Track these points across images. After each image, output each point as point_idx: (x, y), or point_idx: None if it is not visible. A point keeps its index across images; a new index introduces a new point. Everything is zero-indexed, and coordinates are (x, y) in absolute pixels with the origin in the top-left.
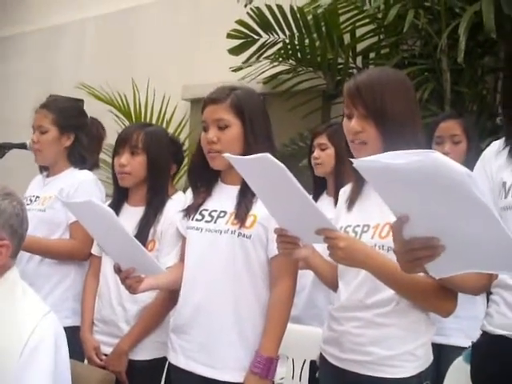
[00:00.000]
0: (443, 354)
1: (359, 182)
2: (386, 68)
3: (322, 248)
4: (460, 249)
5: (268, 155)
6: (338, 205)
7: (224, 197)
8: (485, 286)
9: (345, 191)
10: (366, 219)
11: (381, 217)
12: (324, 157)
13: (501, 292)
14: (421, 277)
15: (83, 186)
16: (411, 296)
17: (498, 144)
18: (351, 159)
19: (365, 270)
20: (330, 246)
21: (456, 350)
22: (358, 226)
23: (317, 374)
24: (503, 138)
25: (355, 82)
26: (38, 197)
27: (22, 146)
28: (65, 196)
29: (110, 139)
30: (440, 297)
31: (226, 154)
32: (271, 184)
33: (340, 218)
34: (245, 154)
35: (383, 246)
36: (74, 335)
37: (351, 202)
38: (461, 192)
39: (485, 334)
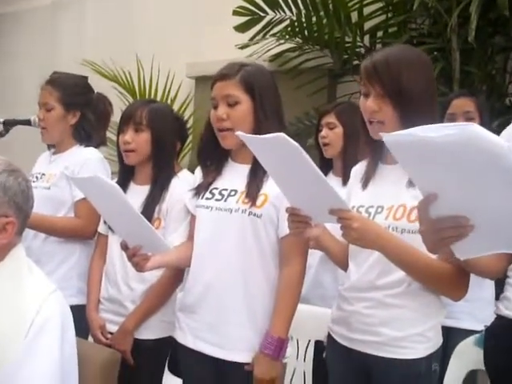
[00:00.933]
0: (450, 337)
1: (374, 162)
2: (404, 46)
3: (332, 228)
4: (489, 228)
5: (283, 135)
6: (350, 184)
7: (235, 175)
8: (504, 269)
9: (356, 170)
10: (380, 200)
11: (395, 198)
12: (332, 136)
13: None
14: (435, 260)
15: (88, 164)
16: (425, 279)
17: None
18: (381, 133)
19: (378, 251)
20: (343, 227)
21: (463, 333)
22: (372, 206)
23: (324, 355)
24: None
25: (372, 61)
26: (43, 174)
27: (27, 123)
28: (70, 173)
29: (114, 116)
30: (453, 281)
31: (239, 133)
32: (285, 163)
33: (352, 198)
34: (255, 130)
35: (397, 228)
36: (78, 314)
37: (365, 182)
38: (499, 165)
39: (500, 318)
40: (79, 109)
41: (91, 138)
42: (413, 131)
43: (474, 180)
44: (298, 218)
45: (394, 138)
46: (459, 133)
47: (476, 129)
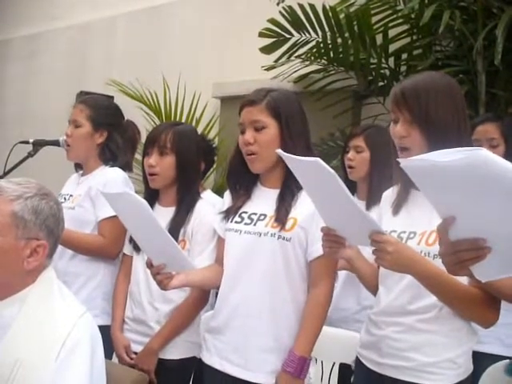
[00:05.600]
0: (477, 362)
1: (406, 187)
2: (434, 73)
3: (365, 251)
4: (508, 250)
5: (319, 160)
6: (380, 209)
7: (264, 200)
8: None
9: (387, 195)
10: (413, 226)
11: (428, 224)
12: (358, 159)
13: None
14: (467, 286)
15: (111, 184)
16: (456, 304)
17: None
18: (398, 159)
19: (411, 275)
20: (377, 250)
21: (491, 358)
22: (404, 232)
23: (352, 379)
24: None
25: (401, 87)
26: (71, 195)
27: (55, 143)
28: (93, 194)
29: (141, 137)
30: (484, 307)
31: (279, 150)
32: (320, 186)
33: (383, 223)
34: None
35: (429, 253)
36: (103, 334)
37: (397, 207)
38: (510, 190)
39: None
40: (107, 129)
41: (116, 158)
42: (428, 156)
43: (488, 203)
44: (332, 238)
45: (409, 163)
46: (471, 156)
47: (487, 153)
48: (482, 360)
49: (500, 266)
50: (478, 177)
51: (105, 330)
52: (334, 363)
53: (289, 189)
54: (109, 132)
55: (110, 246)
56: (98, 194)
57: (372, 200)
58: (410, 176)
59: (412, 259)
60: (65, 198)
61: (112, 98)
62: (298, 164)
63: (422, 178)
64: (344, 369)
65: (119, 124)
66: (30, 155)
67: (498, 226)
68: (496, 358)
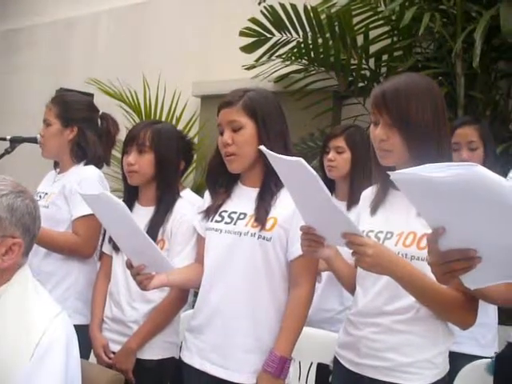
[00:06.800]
0: (454, 362)
1: (384, 187)
2: (414, 75)
3: (343, 251)
4: (496, 260)
5: (301, 160)
6: (359, 208)
7: (244, 199)
8: None
9: (366, 195)
10: (390, 226)
11: (405, 225)
12: (340, 160)
13: None
14: (446, 288)
15: (85, 183)
16: (435, 306)
17: None
18: (389, 172)
19: (391, 277)
20: (356, 253)
21: (467, 358)
22: (381, 232)
23: (329, 379)
24: None
25: (381, 90)
26: (46, 193)
27: (33, 140)
28: (67, 192)
29: (119, 135)
30: (463, 310)
31: (262, 147)
32: (302, 185)
33: (361, 222)
34: (260, 154)
35: (406, 255)
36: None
37: (375, 206)
38: (502, 204)
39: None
40: (77, 125)
41: (86, 154)
42: (419, 170)
43: (478, 215)
44: (311, 237)
45: (400, 176)
46: (464, 173)
47: (480, 170)
48: (458, 360)
49: (489, 275)
50: (471, 191)
51: (77, 330)
52: (312, 363)
53: (268, 188)
54: (79, 128)
55: (85, 245)
56: (72, 192)
57: (353, 201)
58: (400, 187)
59: (391, 261)
60: (40, 196)
61: (92, 95)
62: (281, 162)
63: (411, 190)
64: (322, 369)
65: (91, 119)
66: (7, 152)
67: (488, 236)
68: (472, 358)
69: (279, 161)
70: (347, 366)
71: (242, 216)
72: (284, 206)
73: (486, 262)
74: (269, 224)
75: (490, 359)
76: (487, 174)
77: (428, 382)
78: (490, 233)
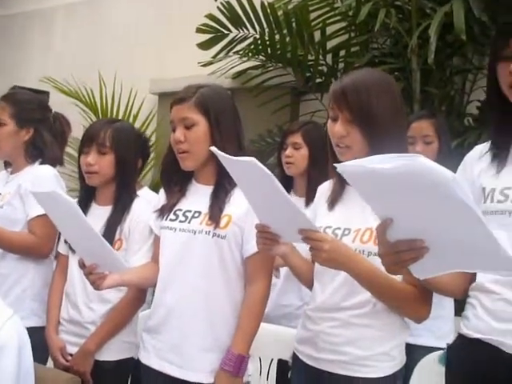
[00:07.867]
0: (411, 354)
1: (341, 183)
2: (371, 70)
3: (300, 247)
4: (444, 249)
5: (254, 160)
6: (315, 204)
7: (198, 197)
8: (466, 288)
9: (323, 190)
10: (347, 222)
11: (362, 221)
12: (297, 156)
13: (478, 295)
14: (401, 283)
15: (40, 182)
16: (390, 301)
17: (480, 149)
18: (335, 164)
19: (347, 272)
20: (313, 248)
21: (421, 350)
22: (339, 228)
23: (289, 374)
24: (485, 143)
25: (341, 85)
26: None
27: None
28: (23, 191)
29: (76, 133)
30: (417, 304)
31: (213, 148)
32: (256, 185)
33: (318, 218)
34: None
35: (363, 251)
36: (32, 336)
37: (332, 202)
38: (446, 195)
39: (461, 337)
40: (33, 125)
41: (43, 155)
42: (365, 161)
43: (425, 206)
44: (266, 235)
45: (346, 168)
46: (409, 164)
47: (424, 161)
48: (415, 352)
49: (436, 265)
50: (415, 182)
51: (34, 332)
52: (272, 359)
53: (222, 186)
54: (35, 128)
55: (42, 245)
56: (27, 191)
57: (311, 197)
58: (347, 179)
59: (348, 257)
60: None
61: (47, 93)
62: (233, 163)
63: (359, 182)
64: (282, 365)
65: (45, 118)
66: None
67: (434, 227)
68: (429, 350)
69: (231, 162)
70: (306, 361)
71: (196, 214)
72: (238, 203)
73: (434, 251)
74: (223, 222)
75: (442, 350)
76: (431, 164)
77: (385, 373)
78: (436, 223)
